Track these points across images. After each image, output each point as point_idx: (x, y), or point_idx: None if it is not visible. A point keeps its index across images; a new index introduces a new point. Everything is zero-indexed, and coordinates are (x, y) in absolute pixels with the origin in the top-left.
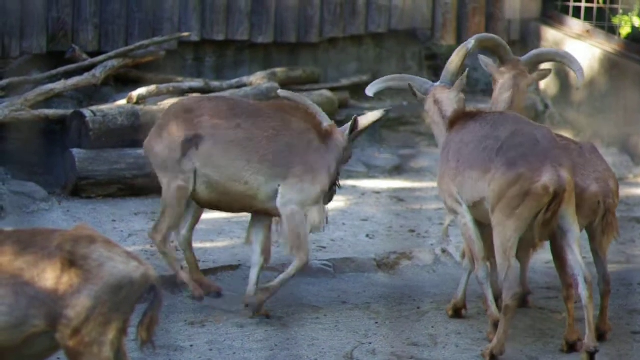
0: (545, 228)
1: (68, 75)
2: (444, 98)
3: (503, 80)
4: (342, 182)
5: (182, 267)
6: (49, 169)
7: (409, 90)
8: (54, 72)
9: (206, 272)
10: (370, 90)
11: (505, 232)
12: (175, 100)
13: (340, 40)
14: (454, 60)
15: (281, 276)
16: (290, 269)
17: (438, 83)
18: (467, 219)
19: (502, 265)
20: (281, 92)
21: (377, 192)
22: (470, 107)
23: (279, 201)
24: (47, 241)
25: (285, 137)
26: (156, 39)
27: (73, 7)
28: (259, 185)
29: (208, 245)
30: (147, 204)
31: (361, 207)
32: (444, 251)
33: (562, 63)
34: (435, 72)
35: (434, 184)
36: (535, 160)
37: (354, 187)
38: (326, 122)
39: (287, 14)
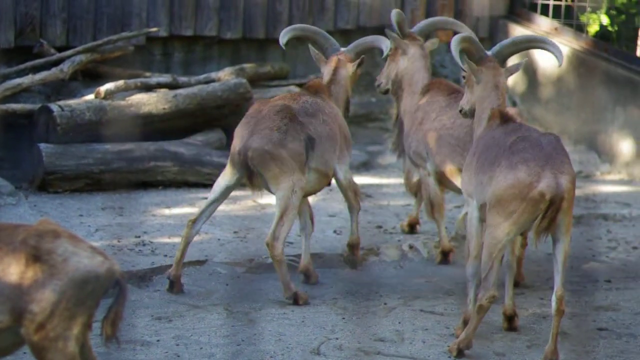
0: (541, 235)
1: (36, 69)
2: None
3: (486, 78)
4: None
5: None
6: (16, 164)
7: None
8: (21, 66)
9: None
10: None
11: (496, 234)
12: (264, 103)
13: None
14: None
15: (353, 227)
16: (355, 217)
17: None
18: (474, 215)
19: (485, 265)
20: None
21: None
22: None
23: (341, 175)
24: (11, 236)
25: (335, 123)
26: (124, 34)
27: (41, 2)
28: (335, 168)
29: (176, 240)
30: (114, 199)
31: (329, 203)
32: (410, 247)
33: (542, 48)
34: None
35: (401, 180)
36: (535, 165)
37: None
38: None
39: (256, 10)
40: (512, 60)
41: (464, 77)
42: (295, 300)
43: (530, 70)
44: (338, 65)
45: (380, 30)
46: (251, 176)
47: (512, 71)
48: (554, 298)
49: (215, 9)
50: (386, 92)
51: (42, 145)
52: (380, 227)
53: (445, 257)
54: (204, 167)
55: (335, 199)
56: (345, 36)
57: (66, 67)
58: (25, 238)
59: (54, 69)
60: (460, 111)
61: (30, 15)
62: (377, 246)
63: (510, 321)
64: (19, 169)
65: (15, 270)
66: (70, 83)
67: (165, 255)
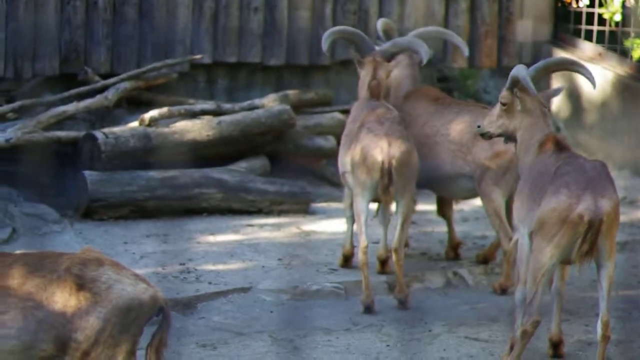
0: (583, 259)
1: (80, 97)
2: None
3: (534, 106)
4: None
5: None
6: (61, 191)
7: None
8: (66, 94)
9: (217, 294)
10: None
11: (540, 258)
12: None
13: (352, 63)
14: None
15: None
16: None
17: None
18: (524, 240)
19: (530, 290)
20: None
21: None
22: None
23: None
24: (55, 264)
25: None
26: (168, 61)
27: (86, 29)
28: None
29: (220, 267)
30: (158, 226)
31: (373, 230)
32: (455, 274)
33: (573, 70)
34: (447, 94)
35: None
36: (576, 188)
37: None
38: None
39: (299, 36)
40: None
41: (503, 103)
42: (403, 303)
43: (574, 96)
44: (376, 66)
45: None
46: (388, 187)
47: (550, 96)
48: (599, 324)
49: (259, 36)
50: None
51: (87, 173)
52: (424, 254)
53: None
54: (249, 193)
55: (378, 226)
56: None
57: (110, 95)
58: (69, 266)
59: (98, 97)
60: (484, 134)
61: (75, 43)
62: (422, 273)
63: (556, 348)
64: (64, 197)
65: (59, 299)
66: (115, 110)
67: (210, 283)
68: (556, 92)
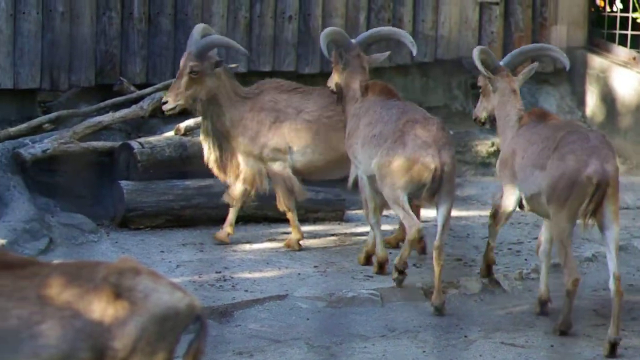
0: (588, 219)
1: (116, 107)
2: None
3: (503, 85)
4: (389, 211)
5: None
6: (97, 201)
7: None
8: (102, 104)
9: (253, 302)
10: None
11: (559, 224)
12: None
13: (387, 70)
14: None
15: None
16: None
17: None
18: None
19: (560, 254)
20: None
21: (424, 221)
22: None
23: None
24: (93, 273)
25: None
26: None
27: (121, 40)
28: None
29: (256, 275)
30: (194, 235)
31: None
32: (491, 279)
33: (547, 55)
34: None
35: (481, 213)
36: (583, 154)
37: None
38: None
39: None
40: None
41: (479, 86)
42: (440, 310)
43: (608, 100)
44: (362, 62)
45: (458, 63)
46: (434, 192)
47: (526, 75)
48: (612, 281)
49: (293, 45)
50: None
51: (123, 183)
52: (460, 259)
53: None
54: None
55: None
56: (423, 69)
57: (146, 105)
58: (106, 275)
59: (134, 107)
60: (476, 119)
61: (110, 54)
62: (457, 279)
63: (544, 305)
64: (100, 206)
65: (96, 308)
66: (150, 120)
67: (246, 291)
68: (530, 71)
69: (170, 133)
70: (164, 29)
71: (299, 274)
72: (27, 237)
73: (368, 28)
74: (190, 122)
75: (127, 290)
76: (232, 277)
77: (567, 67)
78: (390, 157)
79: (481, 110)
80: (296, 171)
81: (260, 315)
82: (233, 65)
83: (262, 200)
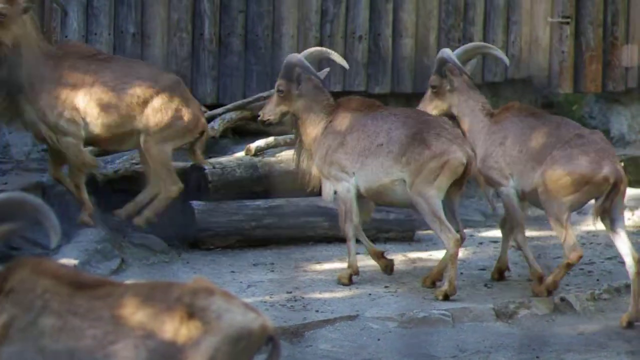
0: (603, 214)
1: None
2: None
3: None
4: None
5: None
6: (168, 222)
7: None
8: None
9: (324, 322)
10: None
11: (562, 207)
12: None
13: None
14: None
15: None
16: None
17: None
18: (511, 192)
19: (560, 232)
20: None
21: (495, 241)
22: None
23: None
24: (166, 294)
25: None
26: (273, 90)
27: (192, 61)
28: None
29: (327, 295)
30: (265, 255)
31: (479, 256)
32: (562, 300)
33: (487, 53)
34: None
35: (553, 233)
36: (596, 156)
37: (471, 236)
38: None
39: (404, 64)
40: None
41: (434, 86)
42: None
43: None
44: None
45: (528, 82)
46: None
47: (469, 71)
48: (631, 263)
49: (364, 65)
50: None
51: (194, 203)
52: (530, 280)
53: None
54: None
55: (485, 252)
56: (493, 89)
57: (217, 125)
58: (180, 296)
59: None
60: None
61: (181, 74)
62: (528, 299)
63: (501, 273)
64: (172, 227)
65: (170, 328)
66: (221, 140)
67: (317, 311)
68: (470, 68)
69: (241, 153)
70: (234, 50)
71: (370, 294)
72: (99, 257)
73: (438, 48)
74: (260, 142)
75: (200, 311)
76: (303, 298)
77: (507, 64)
78: (408, 157)
79: (431, 109)
80: None
81: (331, 336)
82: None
83: (333, 222)
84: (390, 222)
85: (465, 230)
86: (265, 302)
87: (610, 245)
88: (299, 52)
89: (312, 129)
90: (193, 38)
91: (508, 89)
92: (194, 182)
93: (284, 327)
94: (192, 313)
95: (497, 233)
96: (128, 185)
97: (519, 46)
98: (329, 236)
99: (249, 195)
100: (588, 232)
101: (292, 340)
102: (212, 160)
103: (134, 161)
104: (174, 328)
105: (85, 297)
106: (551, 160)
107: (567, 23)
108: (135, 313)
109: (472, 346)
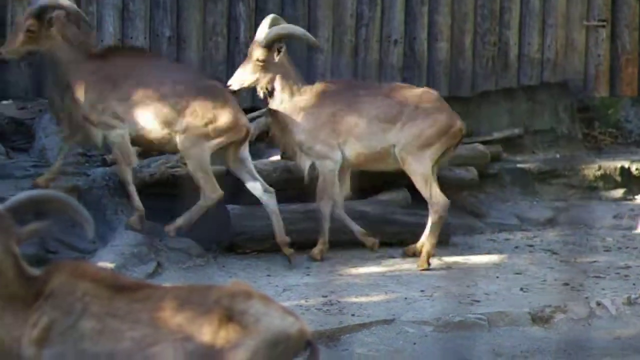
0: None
1: None
2: None
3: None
4: (495, 235)
5: None
6: (204, 225)
7: None
8: None
9: (360, 326)
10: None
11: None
12: None
13: (492, 94)
14: None
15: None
16: None
17: None
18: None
19: (426, 191)
20: None
21: (531, 245)
22: None
23: None
24: (204, 297)
25: None
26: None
27: (227, 64)
28: None
29: (363, 299)
30: (300, 258)
31: (514, 260)
32: (598, 304)
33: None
34: (588, 124)
35: (588, 237)
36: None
37: (507, 240)
38: None
39: (439, 68)
40: None
41: (260, 60)
42: None
43: None
44: None
45: (564, 86)
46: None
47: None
48: None
49: (399, 69)
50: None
51: (230, 207)
52: (567, 284)
53: None
54: (390, 226)
55: (520, 256)
56: (529, 92)
57: (252, 129)
58: (218, 299)
59: None
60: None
61: (218, 79)
62: (565, 304)
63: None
64: (207, 231)
65: (208, 331)
66: (256, 144)
67: (353, 315)
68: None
69: (277, 157)
70: None
71: (406, 298)
72: (135, 261)
73: (474, 52)
74: None
75: (239, 314)
76: (338, 301)
77: (318, 46)
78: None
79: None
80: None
81: (367, 340)
82: None
83: (368, 225)
84: (425, 226)
85: (501, 235)
86: (301, 305)
87: None
88: (333, 55)
89: None
90: (229, 42)
91: (543, 93)
92: (230, 186)
93: (320, 331)
94: (230, 316)
95: (532, 237)
96: (164, 189)
97: (555, 49)
98: None
99: (284, 199)
100: (624, 236)
101: (328, 344)
102: None
103: (169, 165)
104: (212, 331)
105: (124, 299)
106: None
107: (603, 26)
108: (174, 316)
109: (508, 350)
